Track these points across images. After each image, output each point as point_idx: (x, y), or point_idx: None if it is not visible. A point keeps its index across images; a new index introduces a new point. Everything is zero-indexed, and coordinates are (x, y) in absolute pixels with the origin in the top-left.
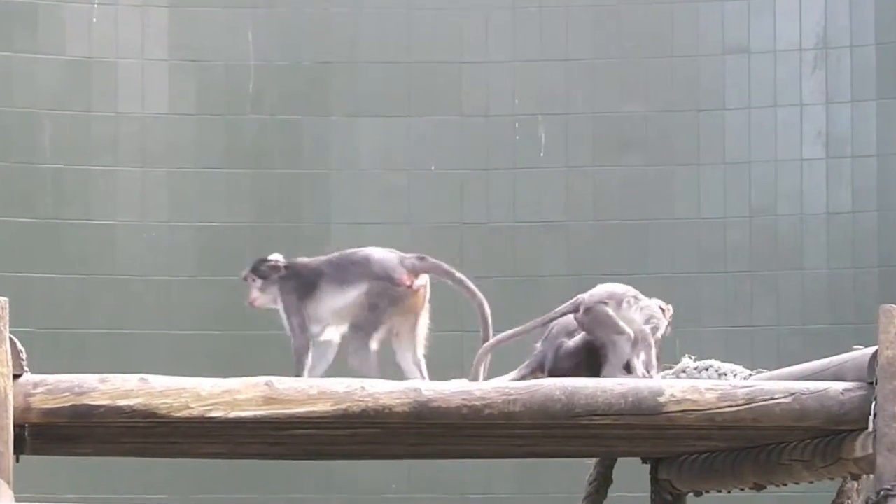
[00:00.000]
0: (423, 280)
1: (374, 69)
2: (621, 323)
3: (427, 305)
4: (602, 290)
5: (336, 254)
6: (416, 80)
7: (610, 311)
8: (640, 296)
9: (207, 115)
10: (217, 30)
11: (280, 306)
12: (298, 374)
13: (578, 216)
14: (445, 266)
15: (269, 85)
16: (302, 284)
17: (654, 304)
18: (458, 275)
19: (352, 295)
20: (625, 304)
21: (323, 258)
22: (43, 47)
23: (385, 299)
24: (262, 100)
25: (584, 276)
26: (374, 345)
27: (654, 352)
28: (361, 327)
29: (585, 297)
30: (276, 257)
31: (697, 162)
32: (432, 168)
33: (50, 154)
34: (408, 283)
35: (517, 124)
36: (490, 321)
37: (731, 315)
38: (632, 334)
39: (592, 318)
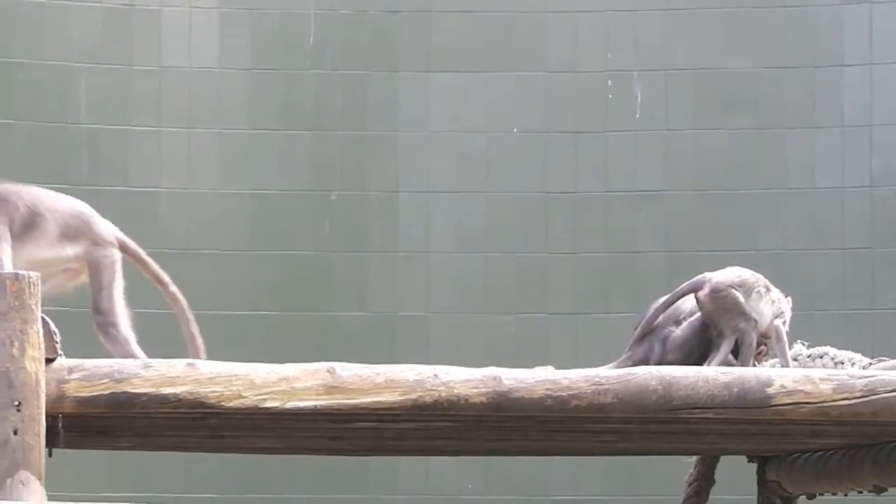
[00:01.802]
0: None
1: (449, 19)
2: (752, 312)
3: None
4: (732, 272)
5: None
6: (495, 32)
7: (740, 297)
8: (772, 286)
9: (262, 69)
10: None
11: None
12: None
13: (677, 185)
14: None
15: (332, 36)
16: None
17: (781, 296)
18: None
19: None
20: (755, 294)
21: None
22: None
23: None
24: (323, 53)
25: (684, 252)
26: None
27: (788, 351)
28: None
29: (712, 276)
30: None
31: (812, 125)
32: (514, 130)
33: (85, 113)
34: None
35: (610, 82)
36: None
37: (848, 297)
38: (763, 325)
39: (719, 302)
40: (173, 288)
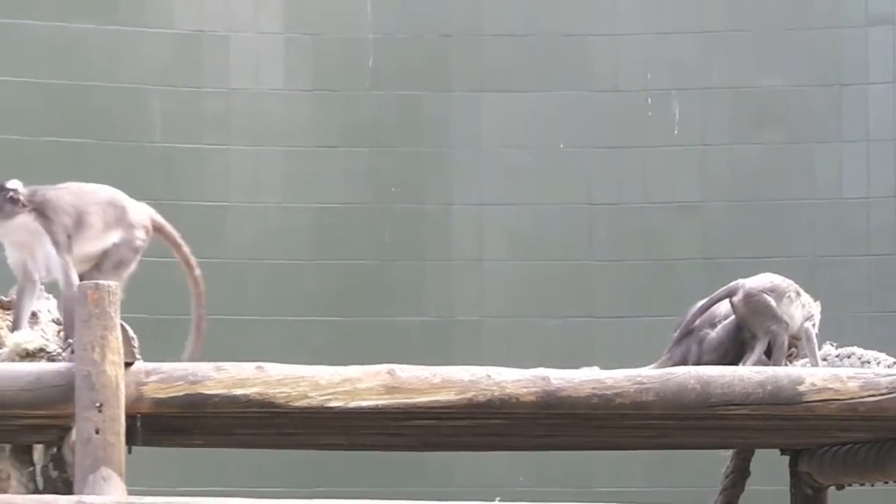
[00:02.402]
0: None
1: (498, 42)
2: (783, 315)
3: None
4: (764, 279)
5: None
6: (541, 54)
7: (772, 301)
8: (802, 291)
9: (324, 90)
10: (334, 1)
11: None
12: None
13: (714, 196)
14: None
15: (389, 59)
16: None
17: (810, 300)
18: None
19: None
20: (786, 299)
21: None
22: (150, 20)
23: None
24: (381, 75)
25: (719, 259)
26: None
27: (817, 351)
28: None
29: (746, 282)
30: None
31: (840, 139)
32: (560, 146)
33: (159, 132)
34: None
35: (649, 100)
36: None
37: (874, 300)
38: (794, 328)
39: (752, 306)
40: (198, 272)
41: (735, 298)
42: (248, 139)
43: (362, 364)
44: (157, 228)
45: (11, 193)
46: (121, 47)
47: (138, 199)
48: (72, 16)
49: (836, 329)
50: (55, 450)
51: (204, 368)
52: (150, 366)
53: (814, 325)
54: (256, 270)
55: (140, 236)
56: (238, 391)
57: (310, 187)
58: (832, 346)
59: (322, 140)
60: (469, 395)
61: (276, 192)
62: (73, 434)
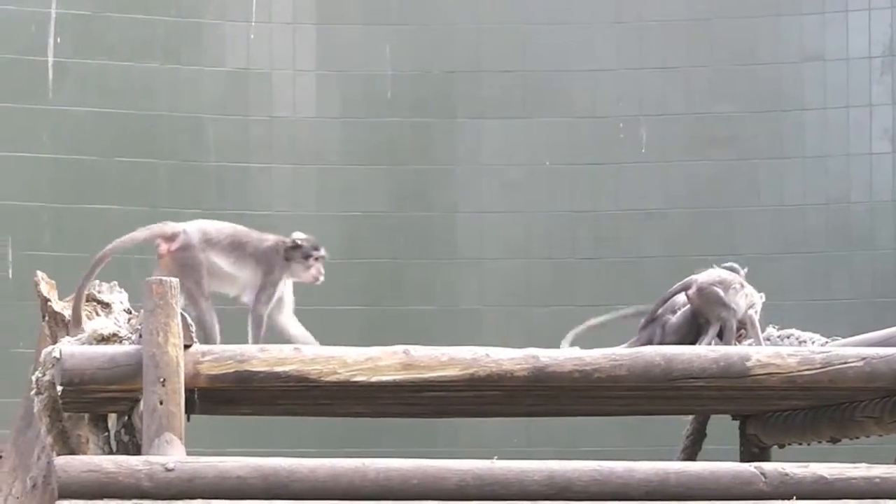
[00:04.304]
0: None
1: (495, 77)
2: (731, 304)
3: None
4: (713, 274)
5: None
6: (531, 87)
7: (721, 292)
8: (746, 283)
9: (350, 118)
10: (358, 44)
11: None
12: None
13: (675, 205)
14: None
15: (404, 91)
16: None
17: (752, 291)
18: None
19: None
20: (731, 290)
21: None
22: (206, 60)
23: None
24: (397, 105)
25: (680, 257)
26: None
27: (761, 334)
28: None
29: (698, 277)
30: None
31: (780, 156)
32: (547, 163)
33: (213, 154)
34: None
35: (621, 124)
36: None
37: (809, 290)
38: (739, 313)
39: (704, 297)
40: None
41: (690, 291)
42: (287, 159)
43: (382, 346)
44: None
45: None
46: (181, 83)
47: (195, 208)
48: (142, 57)
49: (778, 315)
50: (126, 418)
51: (250, 350)
52: (205, 348)
53: (756, 312)
54: None
55: None
56: (279, 368)
57: (339, 199)
58: (774, 328)
59: (349, 159)
60: (471, 370)
61: (311, 203)
62: (141, 405)
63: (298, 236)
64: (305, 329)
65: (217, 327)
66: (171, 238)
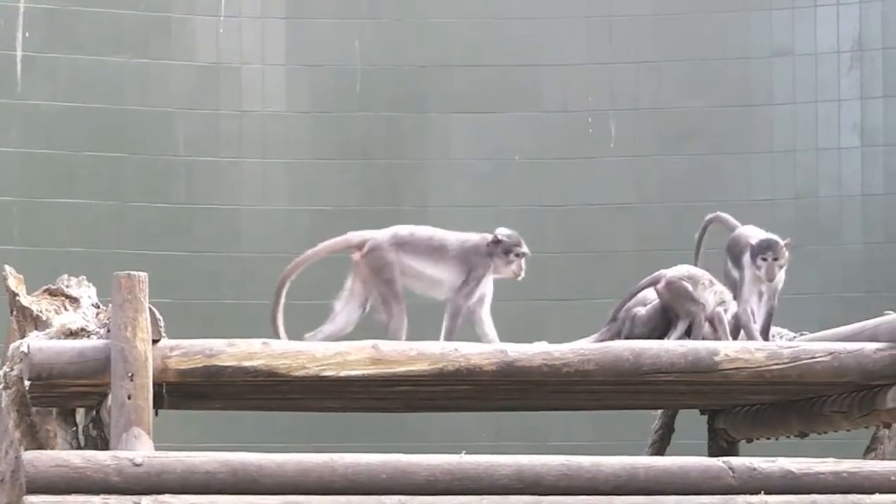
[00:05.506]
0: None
1: (466, 72)
2: (700, 299)
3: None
4: (682, 269)
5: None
6: (502, 81)
7: (689, 287)
8: (715, 281)
9: (320, 112)
10: (328, 38)
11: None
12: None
13: (645, 199)
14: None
15: (374, 86)
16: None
17: (723, 289)
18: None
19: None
20: (700, 286)
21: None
22: (176, 55)
23: None
24: (367, 99)
25: (651, 251)
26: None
27: (728, 329)
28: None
29: (667, 272)
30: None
31: (749, 151)
32: (517, 158)
33: (183, 148)
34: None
35: (590, 119)
36: None
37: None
38: (707, 308)
39: (673, 291)
40: None
41: (659, 286)
42: (257, 153)
43: (355, 340)
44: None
45: None
46: (151, 77)
47: (164, 202)
48: (111, 51)
49: None
50: (95, 413)
51: (218, 344)
52: (173, 342)
53: (726, 310)
54: (265, 263)
55: None
56: (247, 363)
57: (309, 193)
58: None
59: (319, 154)
60: (440, 365)
61: (281, 197)
62: (110, 399)
63: (502, 232)
64: (494, 329)
65: (404, 336)
66: (358, 246)
